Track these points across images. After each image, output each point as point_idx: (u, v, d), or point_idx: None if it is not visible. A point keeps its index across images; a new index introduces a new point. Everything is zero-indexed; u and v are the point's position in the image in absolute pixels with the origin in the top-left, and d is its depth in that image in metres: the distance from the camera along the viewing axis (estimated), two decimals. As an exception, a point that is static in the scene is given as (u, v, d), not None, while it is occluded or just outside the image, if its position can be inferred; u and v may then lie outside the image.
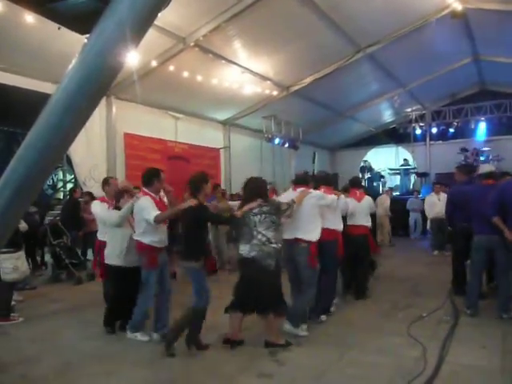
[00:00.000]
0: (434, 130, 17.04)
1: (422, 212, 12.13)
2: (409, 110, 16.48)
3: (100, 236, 5.17)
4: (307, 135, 15.49)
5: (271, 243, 4.19)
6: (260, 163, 14.41)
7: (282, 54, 10.06)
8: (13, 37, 6.93)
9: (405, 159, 16.95)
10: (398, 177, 17.10)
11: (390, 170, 16.86)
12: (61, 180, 14.60)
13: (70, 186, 13.63)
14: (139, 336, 4.58)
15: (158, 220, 4.26)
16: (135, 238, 4.55)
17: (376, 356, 4.07)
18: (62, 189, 13.98)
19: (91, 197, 8.62)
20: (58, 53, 7.05)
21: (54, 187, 14.36)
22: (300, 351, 4.22)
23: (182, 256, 4.37)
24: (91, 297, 6.04)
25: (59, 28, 6.03)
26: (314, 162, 17.47)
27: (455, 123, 16.38)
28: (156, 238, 4.49)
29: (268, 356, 4.08)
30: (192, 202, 4.12)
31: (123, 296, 4.72)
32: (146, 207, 4.36)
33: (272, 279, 4.21)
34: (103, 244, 4.97)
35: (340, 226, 5.35)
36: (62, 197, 13.45)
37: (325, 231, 4.85)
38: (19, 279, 5.65)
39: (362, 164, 17.35)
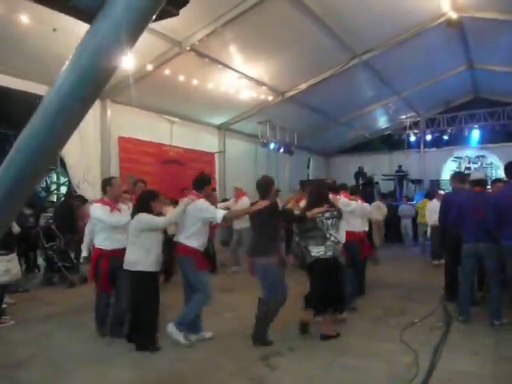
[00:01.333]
0: (428, 137, 17.15)
1: (413, 219, 12.17)
2: (403, 117, 16.58)
3: (100, 242, 4.78)
4: (302, 141, 15.53)
5: (339, 243, 4.74)
6: (255, 168, 14.42)
7: (278, 60, 10.09)
8: (9, 38, 6.91)
9: (399, 165, 17.03)
10: (392, 183, 17.15)
11: (384, 176, 16.92)
12: (54, 182, 14.53)
13: (63, 188, 13.58)
14: (181, 338, 4.41)
15: (227, 218, 4.58)
16: (181, 240, 4.51)
17: (368, 361, 4.07)
18: (55, 191, 13.91)
19: (83, 201, 8.58)
20: (54, 55, 7.01)
21: (47, 189, 14.30)
22: (292, 356, 4.22)
23: (256, 253, 4.53)
24: (84, 300, 5.98)
25: (54, 30, 6.04)
26: (308, 168, 17.56)
27: (449, 131, 16.49)
28: (200, 241, 4.53)
29: (260, 361, 4.07)
30: (264, 203, 4.43)
31: (154, 304, 4.48)
32: (208, 208, 4.51)
33: (343, 276, 4.84)
34: (105, 253, 4.68)
35: (361, 228, 5.90)
36: (55, 199, 13.39)
37: (347, 233, 5.38)
38: (11, 282, 5.61)
39: (356, 170, 17.39)
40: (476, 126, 16.13)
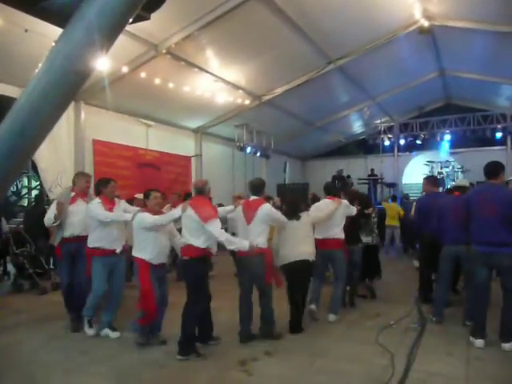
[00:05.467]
0: (402, 142, 17.50)
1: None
2: (378, 121, 16.86)
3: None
4: (279, 145, 15.62)
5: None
6: (232, 172, 14.41)
7: (255, 64, 10.13)
8: (-23, 38, 6.71)
9: (371, 169, 17.32)
10: (367, 187, 17.40)
11: (359, 179, 17.16)
12: (25, 186, 14.14)
13: (35, 192, 13.23)
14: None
15: (317, 219, 5.36)
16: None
17: (345, 364, 4.10)
18: (26, 196, 13.53)
19: None
20: (26, 56, 6.87)
21: (18, 194, 13.89)
22: (269, 361, 4.21)
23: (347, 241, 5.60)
24: (56, 307, 5.83)
25: (26, 30, 5.91)
26: (285, 172, 17.63)
27: (422, 135, 16.87)
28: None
29: (237, 366, 4.05)
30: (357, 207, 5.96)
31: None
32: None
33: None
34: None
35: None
36: (26, 204, 13.03)
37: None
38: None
39: (333, 173, 17.58)
40: (447, 131, 16.56)
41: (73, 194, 5.32)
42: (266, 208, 4.68)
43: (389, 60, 11.49)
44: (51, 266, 8.54)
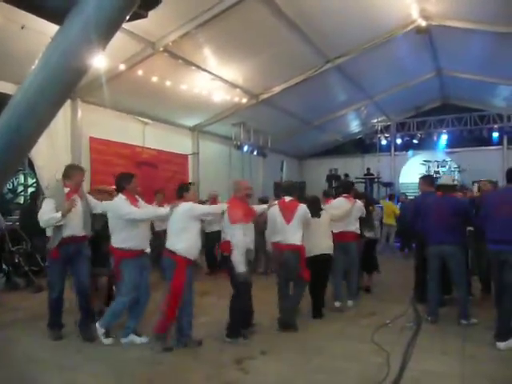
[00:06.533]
0: (399, 141, 17.53)
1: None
2: (375, 121, 16.88)
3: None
4: (276, 143, 15.61)
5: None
6: (229, 170, 14.38)
7: (252, 62, 10.11)
8: (-27, 35, 6.68)
9: (367, 168, 17.35)
10: (363, 186, 17.44)
11: (356, 178, 17.19)
12: (21, 184, 14.04)
13: (31, 190, 13.16)
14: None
15: (335, 217, 5.79)
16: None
17: (341, 362, 4.12)
18: (22, 193, 13.46)
19: None
20: (21, 52, 6.83)
21: (14, 191, 13.81)
22: (265, 358, 4.22)
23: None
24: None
25: (23, 27, 5.88)
26: (282, 170, 17.63)
27: (419, 135, 16.90)
28: None
29: (233, 364, 4.06)
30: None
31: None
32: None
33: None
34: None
35: None
36: (22, 201, 12.96)
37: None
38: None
39: (329, 173, 17.62)
40: (444, 131, 16.60)
41: (67, 189, 4.78)
42: (303, 209, 5.18)
43: (386, 59, 11.49)
44: (47, 264, 8.51)
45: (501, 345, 4.36)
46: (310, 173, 19.33)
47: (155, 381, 3.80)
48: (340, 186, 6.39)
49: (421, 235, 6.15)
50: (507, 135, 16.27)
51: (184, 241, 4.45)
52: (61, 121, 8.92)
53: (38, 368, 4.05)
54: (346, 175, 17.30)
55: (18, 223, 8.51)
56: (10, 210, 10.45)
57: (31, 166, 10.32)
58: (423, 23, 9.68)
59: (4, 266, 8.41)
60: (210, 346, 4.51)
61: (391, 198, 12.37)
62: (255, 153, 14.54)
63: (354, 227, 6.22)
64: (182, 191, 4.69)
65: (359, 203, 6.34)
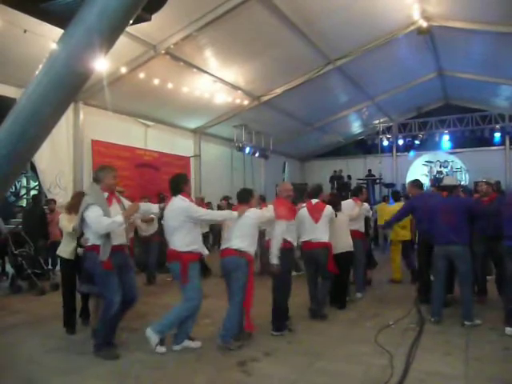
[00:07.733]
0: (401, 142, 17.51)
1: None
2: (376, 122, 16.89)
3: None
4: (278, 145, 15.63)
5: None
6: (230, 172, 14.41)
7: (254, 64, 10.13)
8: (-24, 39, 6.70)
9: (369, 169, 17.34)
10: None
11: (358, 179, 17.18)
12: (24, 187, 14.09)
13: (33, 193, 13.20)
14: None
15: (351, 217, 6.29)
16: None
17: (345, 364, 4.10)
18: (25, 196, 13.49)
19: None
20: (23, 56, 6.87)
21: (16, 194, 13.84)
22: (268, 361, 4.21)
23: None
24: (55, 308, 5.81)
25: (25, 31, 5.89)
26: (284, 172, 17.65)
27: (421, 135, 16.89)
28: None
29: (236, 367, 4.05)
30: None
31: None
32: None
33: None
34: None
35: None
36: (24, 204, 12.99)
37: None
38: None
39: (333, 174, 17.61)
40: (446, 132, 16.59)
41: (105, 194, 4.31)
42: (330, 209, 5.60)
43: (387, 60, 11.50)
44: (50, 267, 8.54)
45: (509, 330, 4.67)
46: (311, 174, 19.35)
47: (159, 383, 3.80)
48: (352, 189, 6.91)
49: (426, 236, 6.16)
50: (509, 135, 16.28)
51: (250, 242, 4.66)
52: (63, 124, 8.96)
53: (42, 371, 4.05)
54: (349, 177, 17.29)
55: (20, 226, 8.52)
56: (13, 212, 10.46)
57: (33, 169, 10.35)
58: (424, 24, 9.70)
59: (7, 269, 8.44)
60: (213, 348, 4.50)
61: (395, 197, 12.23)
62: (257, 154, 14.56)
63: (359, 226, 6.65)
64: (249, 197, 4.85)
65: (366, 205, 6.91)
